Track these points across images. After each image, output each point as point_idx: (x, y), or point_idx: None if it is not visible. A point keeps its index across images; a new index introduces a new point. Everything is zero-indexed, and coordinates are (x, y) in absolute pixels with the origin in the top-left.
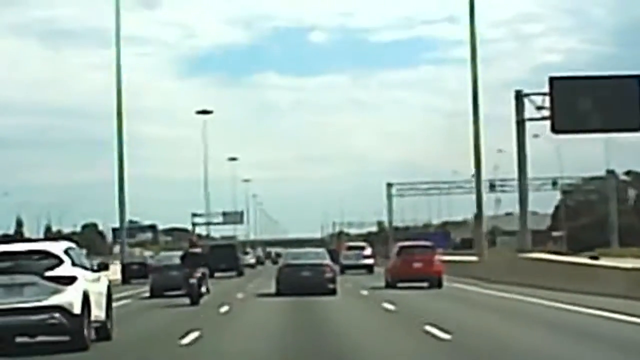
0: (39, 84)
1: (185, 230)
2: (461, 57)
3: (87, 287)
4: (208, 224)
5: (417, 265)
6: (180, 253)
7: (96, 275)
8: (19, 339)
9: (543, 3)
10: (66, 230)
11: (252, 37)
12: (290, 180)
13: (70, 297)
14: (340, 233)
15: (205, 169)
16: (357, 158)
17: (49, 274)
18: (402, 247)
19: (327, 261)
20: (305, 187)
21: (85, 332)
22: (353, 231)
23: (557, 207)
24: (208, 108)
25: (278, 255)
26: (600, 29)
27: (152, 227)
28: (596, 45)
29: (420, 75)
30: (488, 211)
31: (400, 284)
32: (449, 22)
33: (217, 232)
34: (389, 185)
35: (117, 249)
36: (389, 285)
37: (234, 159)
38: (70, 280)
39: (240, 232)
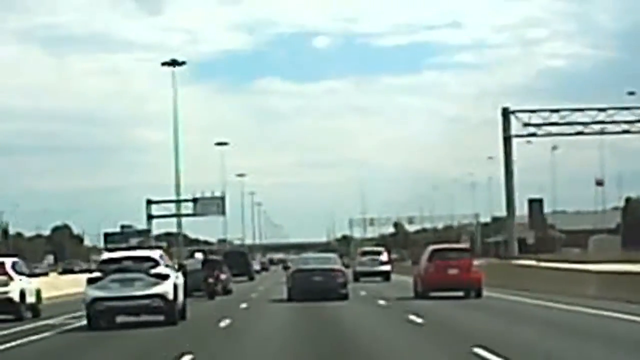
0: (42, 89)
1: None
2: (464, 63)
3: (175, 282)
4: (173, 215)
5: (452, 271)
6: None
7: (178, 273)
8: (121, 318)
9: (548, 8)
10: (28, 233)
11: (256, 43)
12: (293, 185)
13: (166, 288)
14: (345, 237)
15: (176, 131)
16: (360, 163)
17: (151, 272)
18: (434, 251)
19: (339, 266)
20: (308, 192)
21: (175, 313)
22: (368, 234)
23: None
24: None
25: (282, 261)
26: (605, 33)
27: (146, 232)
28: (600, 50)
29: (423, 80)
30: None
31: (433, 294)
32: (452, 27)
33: (193, 230)
34: (507, 114)
35: (104, 255)
36: (419, 295)
37: (223, 143)
38: (165, 276)
39: (234, 235)
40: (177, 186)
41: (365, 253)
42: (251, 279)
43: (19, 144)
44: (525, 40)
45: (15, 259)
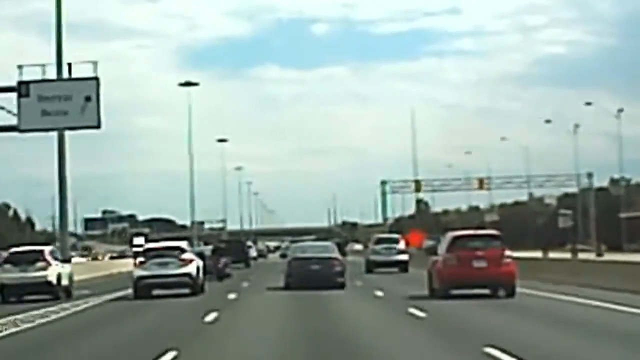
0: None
1: (167, 221)
2: (463, 50)
3: (198, 264)
4: None
5: (479, 264)
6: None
7: (198, 258)
8: (156, 291)
9: None
10: None
11: (254, 30)
12: (290, 173)
13: (192, 269)
14: (345, 223)
15: None
16: (357, 151)
17: (180, 257)
18: (456, 238)
19: (336, 254)
20: (306, 180)
21: (198, 287)
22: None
23: None
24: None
25: (277, 248)
26: (604, 20)
27: (130, 217)
28: (599, 37)
29: (421, 67)
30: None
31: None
32: (450, 13)
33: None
34: None
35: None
36: (436, 294)
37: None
38: (191, 260)
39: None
40: None
41: (380, 240)
42: (247, 265)
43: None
44: (524, 27)
45: (52, 247)
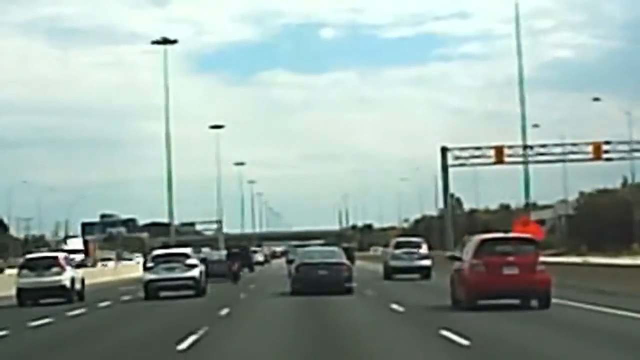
0: (46, 82)
1: (165, 225)
2: (470, 54)
3: (201, 269)
4: None
5: (509, 271)
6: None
7: (201, 263)
8: (163, 293)
9: None
10: None
11: (262, 35)
12: (298, 177)
13: (196, 273)
14: (354, 227)
15: None
16: (365, 156)
17: (186, 262)
18: (484, 241)
19: (344, 260)
20: (314, 184)
21: (201, 289)
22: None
23: None
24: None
25: (284, 253)
26: (611, 24)
27: (130, 221)
28: (607, 41)
29: (429, 72)
30: None
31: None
32: (459, 18)
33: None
34: None
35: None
36: (461, 305)
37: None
38: (195, 265)
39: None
40: None
41: (400, 244)
42: (251, 270)
43: (22, 137)
44: (532, 31)
45: (65, 254)
